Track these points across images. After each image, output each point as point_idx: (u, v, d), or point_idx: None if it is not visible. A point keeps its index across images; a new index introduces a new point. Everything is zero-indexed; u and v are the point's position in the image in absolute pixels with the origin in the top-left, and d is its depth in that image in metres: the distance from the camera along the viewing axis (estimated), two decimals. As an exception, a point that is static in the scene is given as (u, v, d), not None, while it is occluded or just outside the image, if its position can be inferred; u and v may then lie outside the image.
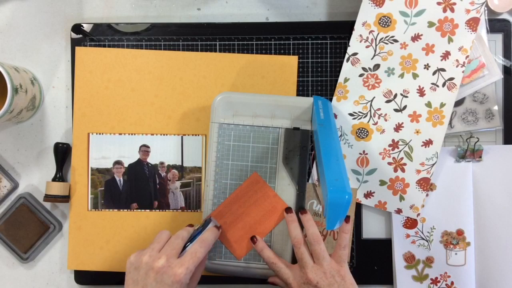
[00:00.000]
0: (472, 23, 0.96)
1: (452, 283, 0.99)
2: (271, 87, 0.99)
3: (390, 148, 0.98)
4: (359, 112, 0.98)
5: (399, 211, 0.98)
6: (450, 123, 0.98)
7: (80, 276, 1.01)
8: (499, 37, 0.99)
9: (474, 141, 0.98)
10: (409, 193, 0.97)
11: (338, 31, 1.00)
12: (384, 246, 1.01)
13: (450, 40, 0.96)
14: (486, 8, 0.98)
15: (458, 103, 0.98)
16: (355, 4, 1.00)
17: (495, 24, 0.99)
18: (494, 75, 0.97)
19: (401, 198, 0.98)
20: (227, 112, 0.93)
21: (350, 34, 0.98)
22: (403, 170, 0.98)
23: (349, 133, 0.99)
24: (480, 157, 0.98)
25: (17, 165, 1.03)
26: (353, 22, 0.98)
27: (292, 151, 0.94)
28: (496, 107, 0.98)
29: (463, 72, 0.96)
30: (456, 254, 0.99)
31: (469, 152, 0.98)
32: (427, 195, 0.98)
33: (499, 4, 0.98)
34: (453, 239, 0.99)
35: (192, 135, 0.99)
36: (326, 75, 1.00)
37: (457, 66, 0.96)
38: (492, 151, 0.98)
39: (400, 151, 0.98)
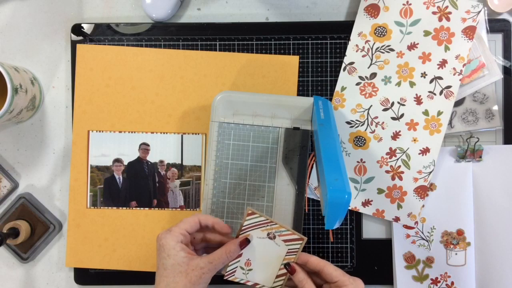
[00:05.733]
0: (469, 32, 0.96)
1: (452, 283, 0.99)
2: (271, 87, 0.99)
3: (388, 156, 0.98)
4: (357, 120, 0.99)
5: (397, 219, 0.98)
6: (450, 123, 0.98)
7: (80, 276, 1.01)
8: (499, 37, 0.99)
9: (474, 141, 0.98)
10: (406, 201, 0.97)
11: (338, 31, 1.00)
12: (384, 246, 1.01)
13: (446, 48, 0.97)
14: (486, 8, 0.98)
15: (458, 103, 0.98)
16: (355, 4, 1.00)
17: (495, 24, 0.99)
18: (494, 75, 0.97)
19: (399, 206, 0.98)
20: (227, 111, 0.93)
21: (350, 34, 0.98)
22: (400, 178, 0.97)
23: (347, 141, 0.99)
24: (480, 157, 0.98)
25: (17, 165, 1.02)
26: (353, 22, 0.99)
27: (292, 151, 0.93)
28: (496, 107, 0.98)
29: (460, 80, 0.96)
30: (456, 254, 0.99)
31: (469, 152, 0.98)
32: (427, 194, 0.98)
33: (499, 4, 0.98)
34: (453, 239, 0.98)
35: (192, 133, 0.99)
36: (326, 75, 1.00)
37: (454, 74, 0.96)
38: (492, 151, 0.98)
39: (397, 159, 0.98)
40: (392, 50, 0.98)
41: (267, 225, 0.82)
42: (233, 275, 0.83)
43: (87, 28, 1.01)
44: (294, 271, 0.81)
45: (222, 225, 0.83)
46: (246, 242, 0.82)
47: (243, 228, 0.83)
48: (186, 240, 0.80)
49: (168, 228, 0.81)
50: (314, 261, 0.82)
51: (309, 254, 0.83)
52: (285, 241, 0.82)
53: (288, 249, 0.83)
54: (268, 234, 0.82)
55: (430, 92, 0.97)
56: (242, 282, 0.84)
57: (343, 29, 1.00)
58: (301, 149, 0.93)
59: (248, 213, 0.82)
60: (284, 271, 0.83)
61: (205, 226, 0.83)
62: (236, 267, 0.83)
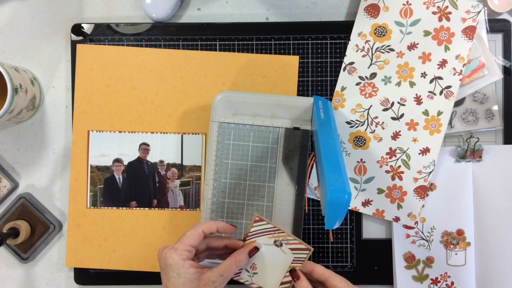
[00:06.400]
0: (469, 32, 0.96)
1: (452, 283, 0.99)
2: (271, 87, 0.99)
3: (388, 156, 0.98)
4: (357, 120, 0.99)
5: (397, 219, 0.98)
6: (450, 123, 0.98)
7: (80, 276, 1.01)
8: (499, 37, 0.99)
9: (474, 141, 0.98)
10: (406, 201, 0.97)
11: (338, 31, 1.00)
12: (384, 246, 1.01)
13: (446, 48, 0.97)
14: (486, 8, 0.98)
15: (458, 103, 0.98)
16: (355, 4, 1.00)
17: (495, 24, 0.99)
18: (494, 75, 0.97)
19: (399, 206, 0.98)
20: (227, 111, 0.93)
21: (350, 34, 0.98)
22: (400, 178, 0.98)
23: (347, 141, 0.99)
24: (480, 157, 0.98)
25: (17, 165, 1.02)
26: (353, 22, 0.99)
27: (292, 151, 0.93)
28: (496, 107, 0.98)
29: (460, 80, 0.96)
30: (456, 254, 0.99)
31: (469, 152, 0.98)
32: (427, 194, 0.98)
33: (499, 4, 0.98)
34: (453, 239, 0.98)
35: (192, 133, 1.00)
36: (326, 75, 1.00)
37: (454, 74, 0.96)
38: (492, 151, 0.98)
39: (397, 159, 0.98)
40: (392, 50, 0.98)
41: (274, 233, 0.82)
42: (239, 275, 0.83)
43: (87, 28, 1.01)
44: (298, 278, 0.81)
45: (226, 227, 0.82)
46: (255, 250, 0.81)
47: (249, 234, 0.83)
48: (191, 255, 0.79)
49: (171, 245, 0.79)
50: (320, 271, 0.81)
51: (315, 263, 0.82)
52: (291, 249, 0.82)
53: (295, 258, 0.82)
54: (275, 242, 0.82)
55: (430, 92, 0.97)
56: (247, 283, 0.83)
57: (343, 29, 1.00)
58: (301, 149, 0.93)
59: (255, 219, 0.81)
60: (289, 278, 0.82)
61: (209, 234, 0.82)
62: (242, 269, 0.83)
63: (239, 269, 0.80)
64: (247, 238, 0.82)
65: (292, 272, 0.82)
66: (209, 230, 0.81)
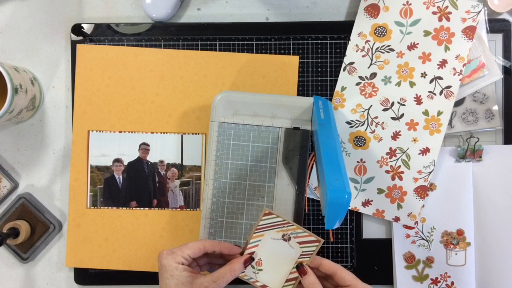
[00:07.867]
0: (469, 32, 0.96)
1: (452, 283, 0.99)
2: (271, 87, 0.99)
3: (388, 156, 0.98)
4: (357, 120, 0.98)
5: (397, 219, 0.98)
6: (450, 123, 0.98)
7: (80, 276, 1.01)
8: (499, 37, 0.99)
9: (474, 141, 0.98)
10: (406, 201, 0.97)
11: (338, 31, 1.00)
12: (384, 246, 1.01)
13: (446, 48, 0.97)
14: (486, 8, 0.98)
15: (458, 103, 0.98)
16: (355, 4, 1.00)
17: (495, 24, 0.99)
18: (494, 75, 0.97)
19: (399, 206, 0.98)
20: (227, 111, 0.93)
21: (350, 34, 0.98)
22: (400, 178, 0.97)
23: (347, 141, 0.99)
24: (480, 157, 0.98)
25: (17, 165, 1.02)
26: (353, 22, 0.99)
27: (292, 151, 0.93)
28: (496, 107, 0.98)
29: (460, 80, 0.96)
30: (456, 254, 0.99)
31: (469, 152, 0.97)
32: (427, 194, 0.98)
33: (499, 4, 0.98)
34: (453, 239, 0.98)
35: (192, 133, 0.99)
36: (326, 75, 1.00)
37: (454, 74, 0.96)
38: (492, 151, 0.98)
39: (397, 159, 0.97)
40: (392, 50, 0.98)
41: (283, 226, 0.82)
42: (243, 271, 0.83)
43: (87, 28, 1.01)
44: (304, 273, 0.80)
45: (230, 248, 0.82)
46: (250, 260, 0.82)
47: (258, 227, 0.82)
48: (187, 263, 0.79)
49: (170, 248, 0.80)
50: (327, 264, 0.81)
51: (322, 257, 0.82)
52: (300, 243, 0.82)
53: (302, 251, 0.82)
54: (283, 236, 0.82)
55: (430, 92, 0.97)
56: (250, 281, 0.83)
57: (343, 29, 1.00)
58: (301, 149, 0.93)
59: (265, 213, 0.81)
60: (295, 275, 0.82)
61: (211, 252, 0.82)
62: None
63: (233, 278, 0.80)
64: (250, 241, 0.82)
65: (299, 267, 0.81)
66: (212, 248, 0.81)
